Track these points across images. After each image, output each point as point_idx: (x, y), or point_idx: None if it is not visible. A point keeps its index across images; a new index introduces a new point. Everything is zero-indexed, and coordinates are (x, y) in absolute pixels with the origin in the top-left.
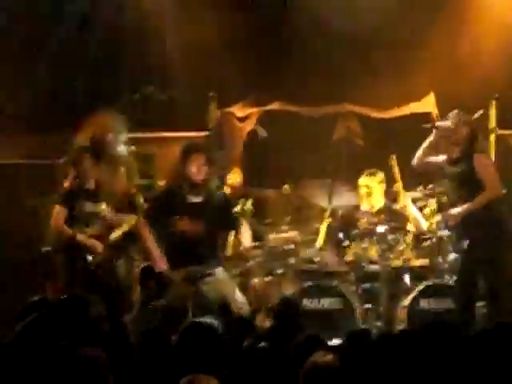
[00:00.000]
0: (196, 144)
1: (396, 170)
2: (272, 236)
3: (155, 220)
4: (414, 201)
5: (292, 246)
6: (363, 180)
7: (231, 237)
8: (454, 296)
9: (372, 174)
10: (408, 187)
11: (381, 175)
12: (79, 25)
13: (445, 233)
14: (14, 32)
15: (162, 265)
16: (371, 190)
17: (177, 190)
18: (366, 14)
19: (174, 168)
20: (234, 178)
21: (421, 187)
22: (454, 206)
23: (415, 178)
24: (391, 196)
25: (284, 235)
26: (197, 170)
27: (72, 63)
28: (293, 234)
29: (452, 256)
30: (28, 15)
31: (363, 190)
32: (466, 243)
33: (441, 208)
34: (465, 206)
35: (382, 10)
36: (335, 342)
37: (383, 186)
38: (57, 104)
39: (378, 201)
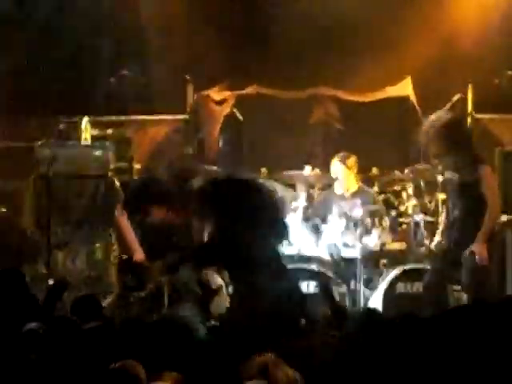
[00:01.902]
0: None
1: None
2: None
3: (133, 209)
4: (392, 184)
5: None
6: (335, 164)
7: None
8: (428, 276)
9: (343, 158)
10: (387, 170)
11: (353, 159)
12: (55, 7)
13: (420, 217)
14: None
15: (139, 256)
16: (343, 174)
17: (154, 182)
18: None
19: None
20: None
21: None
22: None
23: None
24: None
25: None
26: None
27: (48, 47)
28: None
29: (428, 240)
30: None
31: (335, 174)
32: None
33: (417, 192)
34: (480, 237)
35: None
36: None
37: (355, 170)
38: (33, 88)
39: (351, 185)
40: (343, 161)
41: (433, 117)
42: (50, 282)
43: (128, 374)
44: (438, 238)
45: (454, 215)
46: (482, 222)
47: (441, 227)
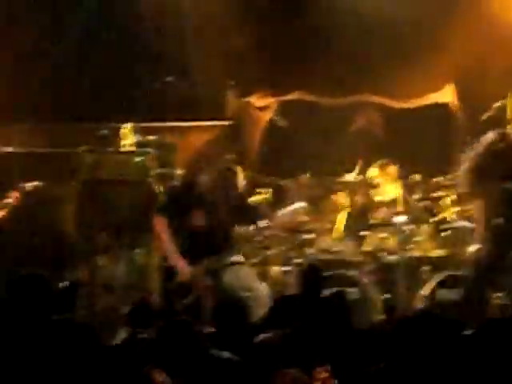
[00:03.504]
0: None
1: None
2: (282, 211)
3: (173, 214)
4: (433, 190)
5: (311, 236)
6: (372, 171)
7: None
8: (468, 285)
9: (382, 165)
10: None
11: (392, 166)
12: (96, 12)
13: (463, 224)
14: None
15: (181, 265)
16: (381, 181)
17: (193, 183)
18: (390, 5)
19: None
20: None
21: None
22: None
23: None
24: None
25: (292, 208)
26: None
27: (90, 52)
28: (301, 205)
29: (471, 247)
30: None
31: (373, 181)
32: None
33: (460, 198)
34: None
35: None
36: None
37: (395, 177)
38: (76, 94)
39: (390, 192)
40: (383, 168)
41: (485, 140)
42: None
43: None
44: (477, 244)
45: (497, 222)
46: None
47: (481, 233)
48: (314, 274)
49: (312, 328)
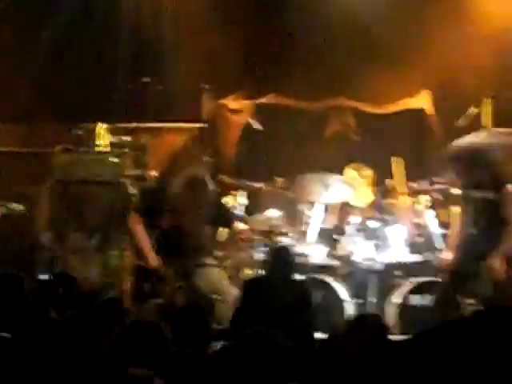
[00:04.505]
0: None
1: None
2: (255, 216)
3: (146, 214)
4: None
5: (286, 240)
6: (348, 173)
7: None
8: (440, 290)
9: (357, 168)
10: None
11: (367, 171)
12: (74, 14)
13: (437, 229)
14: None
15: (153, 262)
16: (356, 184)
17: (167, 184)
18: (364, 8)
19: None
20: None
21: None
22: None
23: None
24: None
25: (266, 215)
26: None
27: (66, 53)
28: (273, 213)
29: (443, 253)
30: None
31: (348, 184)
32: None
33: (435, 204)
34: (499, 251)
35: (380, 6)
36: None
37: (370, 181)
38: (50, 95)
39: (365, 195)
40: (357, 171)
41: (461, 141)
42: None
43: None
44: (450, 251)
45: (471, 229)
46: (500, 238)
47: (454, 240)
48: (284, 255)
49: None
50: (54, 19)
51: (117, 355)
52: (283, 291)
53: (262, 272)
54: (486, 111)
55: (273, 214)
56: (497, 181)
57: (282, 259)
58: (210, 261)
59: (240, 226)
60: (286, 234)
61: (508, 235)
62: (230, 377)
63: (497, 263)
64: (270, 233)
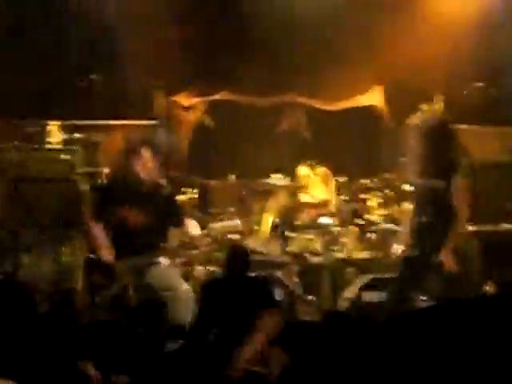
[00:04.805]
0: (141, 139)
1: None
2: (214, 225)
3: (101, 210)
4: (360, 192)
5: (237, 236)
6: (301, 170)
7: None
8: (392, 287)
9: (310, 166)
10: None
11: (321, 168)
12: (20, 8)
13: (389, 226)
14: None
15: (108, 256)
16: (309, 181)
17: (123, 181)
18: (317, 3)
19: (117, 162)
20: None
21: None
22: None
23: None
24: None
25: (226, 224)
26: (142, 166)
27: (14, 48)
28: (235, 222)
29: (395, 249)
30: None
31: (302, 181)
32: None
33: (386, 200)
34: (447, 245)
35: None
36: None
37: (325, 179)
38: (2, 90)
39: (318, 192)
40: (311, 168)
41: (421, 117)
42: None
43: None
44: (401, 246)
45: (421, 222)
46: (449, 231)
47: (405, 236)
48: (239, 255)
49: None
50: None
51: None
52: (243, 290)
53: (214, 269)
54: (438, 108)
55: (232, 223)
56: (449, 166)
57: (237, 257)
58: (162, 259)
59: (196, 231)
60: (238, 233)
61: (455, 226)
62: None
63: (446, 256)
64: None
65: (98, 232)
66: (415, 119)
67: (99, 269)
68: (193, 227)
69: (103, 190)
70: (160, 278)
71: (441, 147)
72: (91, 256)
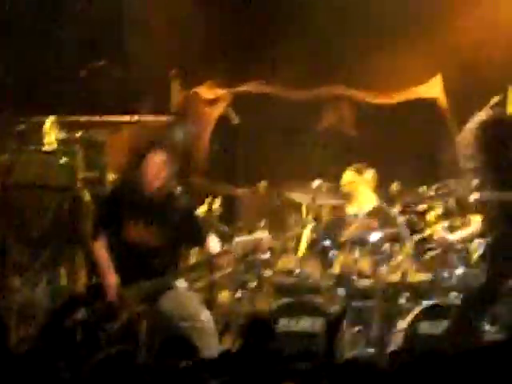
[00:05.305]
0: (153, 139)
1: None
2: (238, 239)
3: (104, 226)
4: (417, 203)
5: (268, 255)
6: (347, 176)
7: None
8: (455, 316)
9: (358, 170)
10: (411, 186)
11: (369, 172)
12: None
13: (451, 242)
14: None
15: (111, 281)
16: (357, 189)
17: (130, 190)
18: None
19: (124, 167)
20: None
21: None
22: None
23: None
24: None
25: (252, 237)
26: (154, 172)
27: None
28: (263, 235)
29: (461, 270)
30: None
31: (347, 189)
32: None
33: (448, 212)
34: None
35: None
36: None
37: (373, 185)
38: None
39: (367, 202)
40: (358, 173)
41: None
42: None
43: None
44: (467, 268)
45: (490, 241)
46: None
47: (474, 255)
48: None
49: None
50: None
51: None
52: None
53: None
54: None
55: (261, 235)
56: None
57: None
58: (179, 283)
59: (216, 247)
60: (270, 250)
61: None
62: None
63: None
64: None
65: (101, 252)
66: (483, 115)
67: (103, 296)
68: (214, 244)
69: (107, 202)
70: (176, 306)
71: (501, 150)
72: (93, 280)
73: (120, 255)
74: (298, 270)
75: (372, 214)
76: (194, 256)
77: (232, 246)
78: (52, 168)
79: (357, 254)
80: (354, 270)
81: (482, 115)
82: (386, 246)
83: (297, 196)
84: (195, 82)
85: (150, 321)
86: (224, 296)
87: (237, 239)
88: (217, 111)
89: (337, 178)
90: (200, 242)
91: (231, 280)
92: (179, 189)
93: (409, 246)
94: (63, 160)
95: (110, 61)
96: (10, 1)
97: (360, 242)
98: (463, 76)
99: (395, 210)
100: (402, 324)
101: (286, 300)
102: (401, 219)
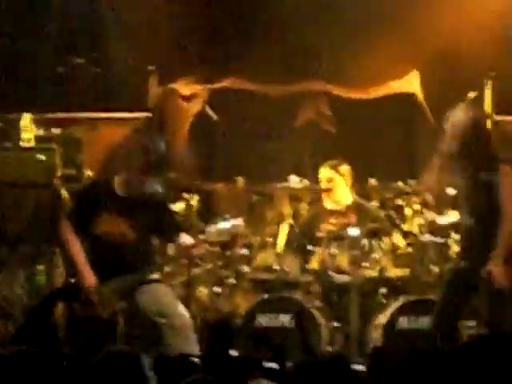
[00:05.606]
0: (130, 135)
1: None
2: (212, 227)
3: (80, 221)
4: (394, 198)
5: (246, 251)
6: (324, 172)
7: None
8: (437, 311)
9: (334, 166)
10: (388, 181)
11: (345, 167)
12: None
13: (429, 238)
14: None
15: (89, 280)
16: (334, 184)
17: (104, 184)
18: None
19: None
20: None
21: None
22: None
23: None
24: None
25: (227, 225)
26: (129, 168)
27: None
28: (236, 222)
29: (439, 265)
30: None
31: (324, 185)
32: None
33: (425, 207)
34: (497, 254)
35: None
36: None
37: (349, 180)
38: None
39: (344, 197)
40: (335, 168)
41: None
42: None
43: None
44: (451, 263)
45: (468, 223)
46: (497, 235)
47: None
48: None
49: None
50: None
51: None
52: None
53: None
54: (487, 95)
55: (233, 223)
56: (492, 159)
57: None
58: (155, 277)
59: (187, 238)
60: (247, 246)
61: (503, 227)
62: None
63: (496, 268)
64: (231, 244)
65: (75, 248)
66: (458, 111)
67: (81, 295)
68: (187, 239)
69: (80, 197)
70: (150, 301)
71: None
72: (70, 280)
73: (94, 251)
74: (276, 266)
75: (350, 209)
76: (171, 251)
77: (206, 234)
78: (30, 165)
79: (335, 249)
80: (333, 265)
81: (459, 114)
82: (364, 241)
83: (274, 191)
84: (172, 79)
85: (128, 317)
86: (202, 292)
87: (211, 226)
88: (195, 108)
89: (314, 173)
90: (174, 237)
91: (209, 276)
92: (156, 185)
93: (387, 241)
94: (41, 157)
95: (87, 58)
96: None
97: (338, 238)
98: (440, 70)
99: (374, 204)
100: (381, 319)
101: (264, 296)
102: (381, 213)
